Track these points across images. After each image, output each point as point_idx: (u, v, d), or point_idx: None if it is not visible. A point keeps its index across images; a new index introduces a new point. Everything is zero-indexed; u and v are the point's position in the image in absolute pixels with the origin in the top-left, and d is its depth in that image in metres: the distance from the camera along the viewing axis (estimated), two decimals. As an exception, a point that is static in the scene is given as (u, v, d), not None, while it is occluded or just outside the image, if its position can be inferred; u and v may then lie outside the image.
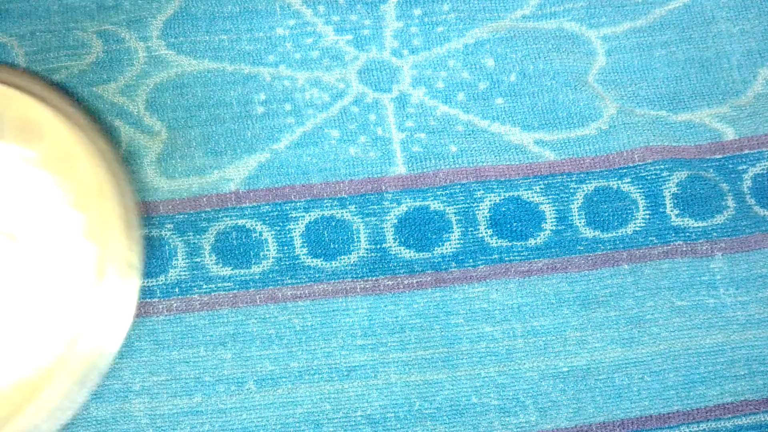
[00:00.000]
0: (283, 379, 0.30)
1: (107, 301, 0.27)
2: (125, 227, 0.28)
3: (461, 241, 0.31)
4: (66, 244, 0.28)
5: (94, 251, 0.28)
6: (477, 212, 0.32)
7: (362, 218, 0.31)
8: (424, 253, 0.31)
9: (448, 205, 0.32)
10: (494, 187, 0.32)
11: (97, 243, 0.28)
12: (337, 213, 0.31)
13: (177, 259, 0.30)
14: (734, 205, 0.32)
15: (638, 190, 0.32)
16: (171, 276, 0.30)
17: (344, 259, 0.31)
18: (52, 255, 0.28)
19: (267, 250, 0.31)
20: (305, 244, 0.31)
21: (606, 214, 0.32)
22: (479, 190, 0.32)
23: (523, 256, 0.31)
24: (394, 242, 0.31)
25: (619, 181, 0.32)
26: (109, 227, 0.28)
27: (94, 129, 0.28)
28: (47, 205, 0.29)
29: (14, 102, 0.27)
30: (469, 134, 0.32)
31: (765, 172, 0.33)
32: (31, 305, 0.28)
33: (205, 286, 0.30)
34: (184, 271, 0.30)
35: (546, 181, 0.32)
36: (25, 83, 0.27)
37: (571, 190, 0.32)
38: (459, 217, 0.32)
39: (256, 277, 0.30)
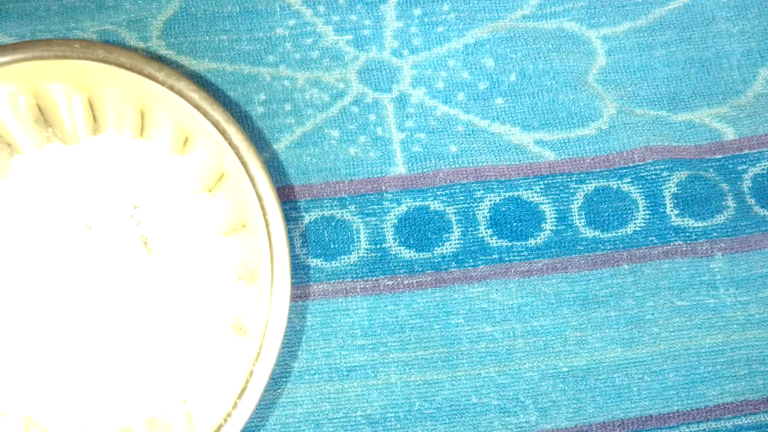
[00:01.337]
0: (283, 379, 0.30)
1: (262, 306, 0.25)
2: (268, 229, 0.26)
3: (461, 241, 0.31)
4: (208, 250, 0.27)
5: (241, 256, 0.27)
6: (477, 212, 0.32)
7: (362, 218, 0.31)
8: (424, 253, 0.31)
9: (448, 205, 0.32)
10: (494, 187, 0.32)
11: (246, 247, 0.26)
12: (337, 213, 0.31)
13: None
14: (734, 205, 0.32)
15: (638, 190, 0.32)
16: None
17: (344, 259, 0.31)
18: (193, 266, 0.27)
19: (267, 250, 0.31)
20: (305, 244, 0.31)
21: (606, 214, 0.32)
22: (479, 190, 0.32)
23: (523, 256, 0.31)
24: (394, 242, 0.31)
25: (619, 181, 0.32)
26: (255, 231, 0.26)
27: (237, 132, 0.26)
28: (183, 199, 0.28)
29: (169, 105, 0.26)
30: (469, 134, 0.32)
31: (765, 172, 0.33)
32: (175, 324, 0.27)
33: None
34: (184, 271, 0.30)
35: (546, 181, 0.32)
36: (179, 85, 0.26)
37: (571, 190, 0.32)
38: (459, 217, 0.32)
39: (256, 277, 0.30)
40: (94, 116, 0.27)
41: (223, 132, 0.25)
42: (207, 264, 0.27)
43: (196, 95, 0.25)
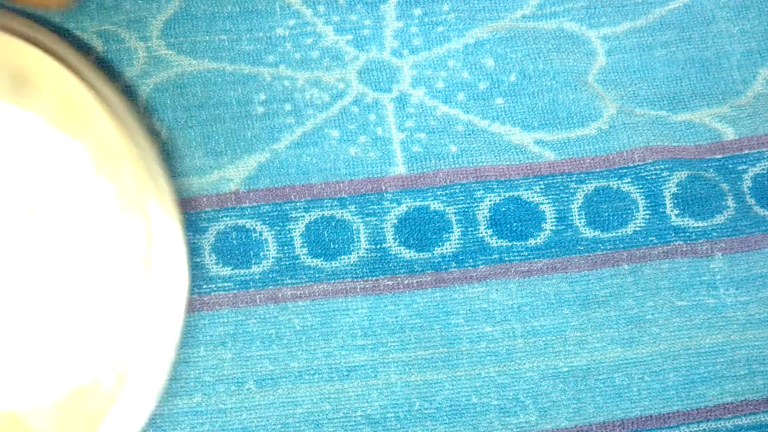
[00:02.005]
0: (283, 379, 0.30)
1: (158, 285, 0.25)
2: (162, 199, 0.25)
3: (461, 241, 0.31)
4: (99, 219, 0.26)
5: (135, 226, 0.26)
6: (477, 212, 0.32)
7: (362, 218, 0.31)
8: (424, 253, 0.31)
9: (448, 205, 0.32)
10: (494, 187, 0.32)
11: (138, 217, 0.26)
12: (337, 213, 0.31)
13: (177, 259, 0.30)
14: (734, 205, 0.32)
15: (638, 190, 0.32)
16: (171, 276, 0.30)
17: (344, 259, 0.31)
18: (81, 231, 0.27)
19: (267, 250, 0.31)
20: (305, 244, 0.31)
21: (606, 214, 0.32)
22: (479, 190, 0.32)
23: (523, 256, 0.31)
24: (394, 242, 0.31)
25: (619, 181, 0.32)
26: (147, 201, 0.25)
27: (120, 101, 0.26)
28: (71, 173, 0.27)
29: (49, 70, 0.25)
30: (469, 134, 0.32)
31: (765, 172, 0.33)
32: (71, 297, 0.26)
33: (204, 286, 0.30)
34: (184, 271, 0.30)
35: (546, 181, 0.32)
36: (57, 48, 0.25)
37: (571, 190, 0.32)
38: (459, 217, 0.32)
39: (256, 277, 0.30)
40: None
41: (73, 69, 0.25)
42: (92, 225, 0.27)
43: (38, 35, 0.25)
